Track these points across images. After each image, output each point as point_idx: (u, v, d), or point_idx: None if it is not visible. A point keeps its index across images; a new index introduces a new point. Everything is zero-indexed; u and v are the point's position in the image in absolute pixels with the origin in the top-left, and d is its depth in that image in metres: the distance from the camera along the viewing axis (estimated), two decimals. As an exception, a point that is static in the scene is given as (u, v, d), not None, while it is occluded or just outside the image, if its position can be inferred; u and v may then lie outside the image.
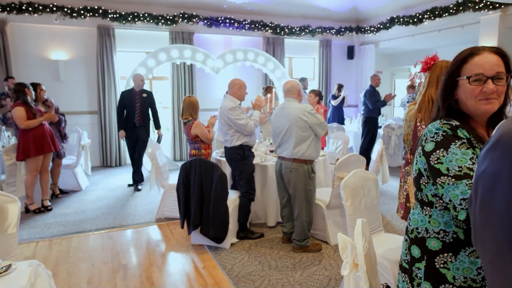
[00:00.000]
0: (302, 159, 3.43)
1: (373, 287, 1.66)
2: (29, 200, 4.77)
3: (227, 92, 4.02)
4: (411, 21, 8.00)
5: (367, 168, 4.81)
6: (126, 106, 5.71)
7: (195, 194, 3.57)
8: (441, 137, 1.23)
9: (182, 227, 3.76)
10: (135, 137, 5.77)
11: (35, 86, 4.87)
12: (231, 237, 3.78)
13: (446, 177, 1.16)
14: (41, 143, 4.64)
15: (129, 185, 6.05)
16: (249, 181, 3.88)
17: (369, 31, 9.40)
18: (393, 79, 11.54)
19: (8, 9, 6.55)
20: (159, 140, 5.96)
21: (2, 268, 1.85)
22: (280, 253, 3.61)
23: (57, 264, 3.40)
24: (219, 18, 8.13)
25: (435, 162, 1.21)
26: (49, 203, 4.93)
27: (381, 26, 8.92)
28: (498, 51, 1.26)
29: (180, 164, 6.56)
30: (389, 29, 8.72)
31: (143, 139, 5.85)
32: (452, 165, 1.16)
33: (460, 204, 1.10)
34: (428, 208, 1.33)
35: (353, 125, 8.09)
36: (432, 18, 7.53)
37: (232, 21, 8.25)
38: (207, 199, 3.57)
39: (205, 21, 8.04)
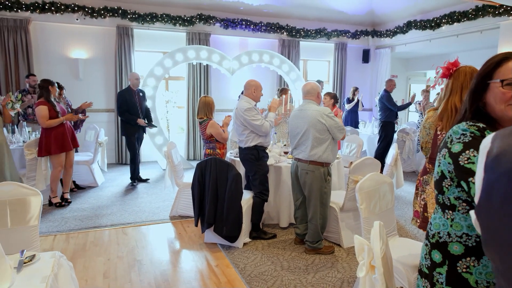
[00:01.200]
0: (318, 161, 3.44)
1: (388, 289, 1.67)
2: (53, 194, 4.97)
3: (242, 93, 4.06)
4: (428, 25, 7.93)
5: (381, 172, 4.78)
6: (129, 106, 5.85)
7: (209, 193, 3.62)
8: (470, 138, 1.24)
9: (196, 225, 3.81)
10: (138, 135, 6.06)
11: (60, 86, 4.99)
12: (244, 236, 3.81)
13: None
14: (62, 141, 4.81)
15: (133, 184, 6.12)
16: (263, 181, 3.91)
17: (385, 35, 9.34)
18: (408, 84, 11.43)
19: (31, 8, 6.74)
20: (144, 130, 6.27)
21: (26, 258, 1.92)
22: (292, 254, 3.62)
23: (74, 257, 3.49)
24: (236, 20, 8.20)
25: (466, 162, 1.22)
26: (69, 196, 5.11)
27: (398, 30, 8.86)
28: None
29: (194, 163, 6.64)
30: (406, 33, 8.66)
31: (142, 137, 6.24)
32: None
33: None
34: (450, 212, 1.33)
35: (367, 128, 8.05)
36: (450, 22, 7.45)
37: (248, 23, 8.31)
38: (222, 198, 3.61)
39: (222, 23, 8.12)
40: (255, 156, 3.87)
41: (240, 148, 4.00)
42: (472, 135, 1.24)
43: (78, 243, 3.85)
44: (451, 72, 2.32)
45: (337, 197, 3.90)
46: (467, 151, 1.23)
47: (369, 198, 2.64)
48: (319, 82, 7.82)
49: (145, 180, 6.28)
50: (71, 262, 2.17)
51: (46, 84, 4.72)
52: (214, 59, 7.47)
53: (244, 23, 8.27)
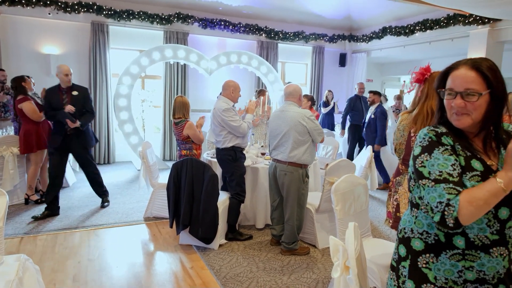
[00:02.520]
0: (297, 163, 3.45)
1: (362, 290, 1.69)
2: (30, 191, 4.85)
3: (220, 94, 4.03)
4: (402, 31, 8.16)
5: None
6: (54, 109, 4.35)
7: (185, 193, 3.57)
8: (427, 142, 1.29)
9: (171, 226, 3.75)
10: (65, 148, 4.47)
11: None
12: (220, 238, 3.78)
13: (427, 180, 1.23)
14: (46, 137, 4.73)
15: (36, 218, 4.33)
16: (239, 182, 3.89)
17: (361, 40, 9.53)
18: (383, 88, 11.71)
19: (1, 0, 6.44)
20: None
21: (-11, 261, 1.82)
22: (268, 255, 3.62)
23: (41, 260, 3.35)
24: (214, 20, 8.15)
25: (419, 165, 1.27)
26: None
27: (374, 36, 9.06)
28: (476, 66, 1.25)
29: (169, 164, 6.53)
30: (381, 39, 8.87)
31: (78, 153, 4.59)
32: (434, 169, 1.22)
33: (437, 207, 1.17)
34: (415, 210, 1.39)
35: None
36: (423, 30, 7.69)
37: (227, 24, 8.28)
38: (198, 199, 3.57)
39: (200, 22, 8.05)
40: (232, 157, 3.85)
41: (217, 148, 3.96)
42: (430, 139, 1.29)
43: (47, 245, 3.70)
44: (426, 77, 2.40)
45: (313, 199, 3.93)
46: (422, 155, 1.28)
47: (344, 199, 2.67)
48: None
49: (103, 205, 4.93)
50: (38, 266, 2.08)
51: (17, 82, 4.64)
52: (192, 59, 7.39)
53: (223, 23, 8.23)
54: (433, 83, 2.35)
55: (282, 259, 3.55)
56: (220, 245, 3.78)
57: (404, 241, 1.40)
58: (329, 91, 8.27)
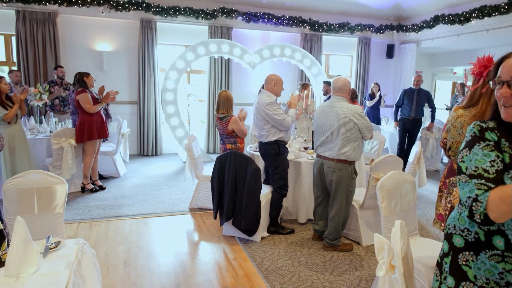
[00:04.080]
0: (347, 160, 3.38)
1: (409, 290, 1.64)
2: (86, 180, 5.22)
3: (262, 87, 4.03)
4: (456, 19, 7.66)
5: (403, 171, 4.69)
6: None
7: (229, 186, 3.64)
8: (470, 137, 1.26)
9: (215, 218, 3.85)
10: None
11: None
12: (262, 231, 3.83)
13: (463, 175, 1.21)
14: (102, 128, 5.13)
15: None
16: (282, 176, 3.89)
17: (410, 30, 9.09)
18: (434, 80, 11.11)
19: (59, 1, 6.90)
20: None
21: (52, 244, 1.99)
22: (310, 250, 3.61)
23: (96, 245, 3.59)
24: (258, 13, 8.16)
25: (460, 160, 1.25)
26: (100, 183, 5.45)
27: (424, 25, 8.60)
28: None
29: (213, 156, 6.69)
30: (433, 28, 8.40)
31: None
32: (471, 164, 1.20)
33: (466, 202, 1.15)
34: (460, 206, 1.34)
35: (390, 125, 7.89)
36: (480, 17, 7.17)
37: (270, 17, 8.26)
38: (240, 192, 3.63)
39: (244, 16, 8.10)
40: (275, 151, 3.85)
41: (260, 142, 3.99)
42: (473, 134, 1.25)
43: (101, 231, 3.96)
44: (490, 70, 2.20)
45: (357, 195, 3.84)
46: (463, 150, 1.25)
47: (390, 196, 2.59)
48: (327, 83, 7.73)
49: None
50: (94, 250, 2.23)
51: (81, 76, 4.99)
52: (236, 53, 7.47)
53: (266, 16, 8.22)
54: None
55: (324, 254, 3.52)
56: (262, 238, 3.83)
57: (447, 236, 1.38)
58: (375, 83, 8.01)
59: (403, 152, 6.60)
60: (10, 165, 4.52)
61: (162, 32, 7.73)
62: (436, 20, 8.20)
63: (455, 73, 8.79)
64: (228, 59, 7.97)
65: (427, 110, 7.08)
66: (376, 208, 3.51)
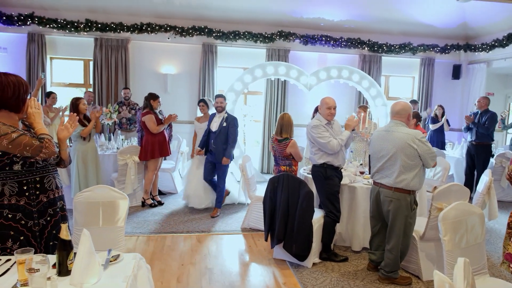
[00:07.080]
0: (405, 189, 3.18)
1: (474, 337, 1.49)
2: (146, 195, 5.53)
3: (316, 109, 4.03)
4: (534, 38, 7.06)
5: (470, 201, 4.32)
6: None
7: (280, 208, 3.62)
8: None
9: (266, 239, 3.83)
10: None
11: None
12: (313, 256, 3.73)
13: None
14: (164, 146, 5.44)
15: None
16: (332, 201, 3.77)
17: (480, 49, 8.53)
18: (507, 103, 10.22)
19: (131, 29, 7.56)
20: None
21: (112, 257, 2.11)
22: (364, 280, 3.43)
23: (152, 259, 3.74)
24: (316, 36, 8.21)
25: None
26: (160, 198, 5.74)
27: (496, 44, 8.02)
28: None
29: (267, 176, 6.71)
30: (506, 47, 7.80)
31: None
32: None
33: None
34: None
35: (455, 150, 7.36)
36: (563, 34, 6.53)
37: (328, 39, 8.26)
38: (292, 215, 3.58)
39: (302, 39, 8.19)
40: (322, 174, 3.77)
41: (312, 165, 3.96)
42: None
43: (157, 245, 4.12)
44: None
45: (417, 225, 3.60)
46: None
47: (454, 229, 2.40)
48: (414, 102, 7.42)
49: None
50: (149, 265, 2.33)
51: (149, 98, 5.36)
52: (292, 75, 7.53)
53: (324, 38, 8.24)
54: None
55: (380, 286, 3.32)
56: (314, 264, 3.72)
57: None
58: (439, 106, 7.57)
59: (471, 180, 6.10)
60: (83, 179, 4.90)
61: (222, 55, 8.08)
62: (510, 38, 7.62)
63: None
64: (285, 80, 8.07)
65: (498, 135, 6.49)
66: (439, 240, 3.25)
